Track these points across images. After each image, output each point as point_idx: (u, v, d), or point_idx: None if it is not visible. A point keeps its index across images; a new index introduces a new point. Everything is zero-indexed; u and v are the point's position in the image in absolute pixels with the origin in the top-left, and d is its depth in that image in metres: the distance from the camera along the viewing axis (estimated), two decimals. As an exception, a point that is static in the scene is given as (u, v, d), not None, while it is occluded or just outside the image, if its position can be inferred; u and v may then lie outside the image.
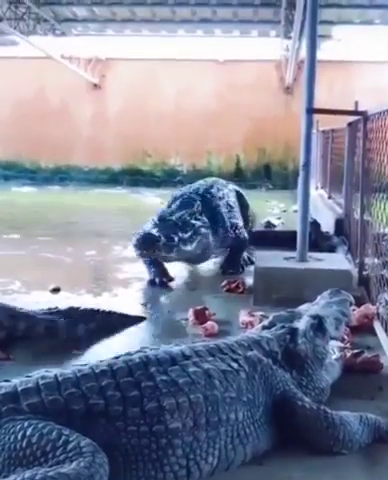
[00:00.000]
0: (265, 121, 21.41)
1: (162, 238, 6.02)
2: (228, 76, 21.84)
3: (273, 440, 3.12)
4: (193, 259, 6.91)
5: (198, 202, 7.00)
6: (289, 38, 16.35)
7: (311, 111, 5.88)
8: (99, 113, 22.62)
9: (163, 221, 6.39)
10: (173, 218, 6.50)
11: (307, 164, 5.95)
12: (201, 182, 7.90)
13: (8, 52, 21.43)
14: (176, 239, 6.17)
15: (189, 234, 6.42)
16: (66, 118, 22.35)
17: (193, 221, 6.62)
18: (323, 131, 13.18)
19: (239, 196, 8.05)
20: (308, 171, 5.99)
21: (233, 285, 6.40)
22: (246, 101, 21.55)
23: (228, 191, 7.81)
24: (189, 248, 6.37)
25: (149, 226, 6.34)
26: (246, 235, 7.45)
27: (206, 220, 6.83)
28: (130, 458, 2.70)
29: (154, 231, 6.14)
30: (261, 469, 2.97)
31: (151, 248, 5.98)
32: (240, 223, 7.46)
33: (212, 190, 7.47)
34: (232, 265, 7.26)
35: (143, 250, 6.01)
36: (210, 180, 8.09)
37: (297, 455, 3.05)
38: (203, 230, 6.68)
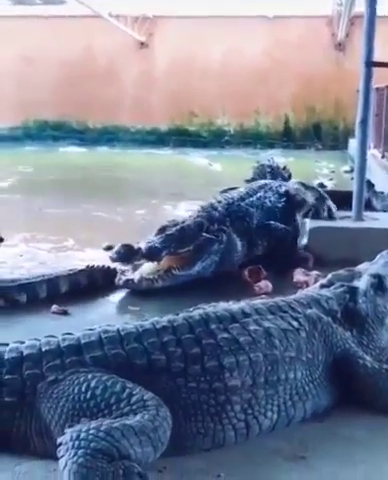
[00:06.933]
0: (315, 79, 20.86)
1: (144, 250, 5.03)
2: (277, 33, 21.27)
3: (334, 398, 3.09)
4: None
5: (215, 212, 5.73)
6: (342, -9, 15.79)
7: (370, 64, 5.66)
8: (146, 72, 22.40)
9: (162, 232, 5.35)
10: (173, 230, 5.35)
11: (365, 121, 5.77)
12: (242, 189, 6.50)
13: (56, 11, 21.28)
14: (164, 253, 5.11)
15: (189, 249, 5.28)
16: (113, 77, 22.20)
17: (200, 233, 5.41)
18: (377, 88, 12.75)
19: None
20: (366, 128, 5.81)
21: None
22: (296, 58, 21.02)
23: (272, 194, 6.42)
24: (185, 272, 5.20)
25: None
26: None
27: (222, 234, 5.53)
28: (189, 412, 2.72)
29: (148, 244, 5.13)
30: (322, 427, 2.96)
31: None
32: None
33: (248, 199, 6.13)
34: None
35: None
36: (257, 184, 6.63)
37: (359, 414, 3.03)
38: (215, 247, 5.41)
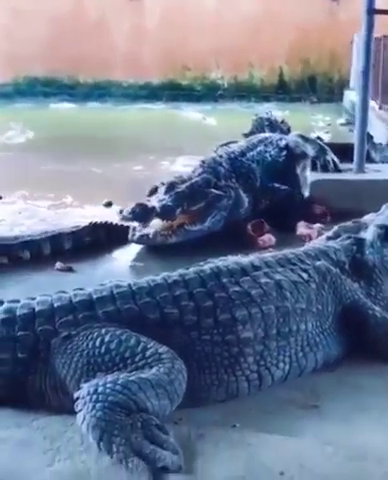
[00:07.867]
0: (309, 30, 20.42)
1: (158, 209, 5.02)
2: (271, -17, 20.76)
3: (344, 348, 3.13)
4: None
5: (221, 168, 5.70)
6: None
7: (372, 12, 5.53)
8: (137, 25, 21.88)
9: (171, 189, 5.30)
10: (183, 187, 5.32)
11: (366, 71, 5.68)
12: (242, 143, 6.43)
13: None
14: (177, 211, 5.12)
15: (200, 206, 5.31)
16: (103, 31, 21.68)
17: (209, 190, 5.41)
18: (374, 38, 12.51)
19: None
20: (367, 78, 5.72)
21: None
22: (289, 9, 20.51)
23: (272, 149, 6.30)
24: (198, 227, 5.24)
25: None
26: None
27: (230, 190, 5.56)
28: (203, 364, 2.75)
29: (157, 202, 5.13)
30: (333, 376, 3.00)
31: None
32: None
33: (249, 153, 6.06)
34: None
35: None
36: (257, 138, 6.50)
37: (368, 363, 3.07)
38: (224, 202, 5.44)
